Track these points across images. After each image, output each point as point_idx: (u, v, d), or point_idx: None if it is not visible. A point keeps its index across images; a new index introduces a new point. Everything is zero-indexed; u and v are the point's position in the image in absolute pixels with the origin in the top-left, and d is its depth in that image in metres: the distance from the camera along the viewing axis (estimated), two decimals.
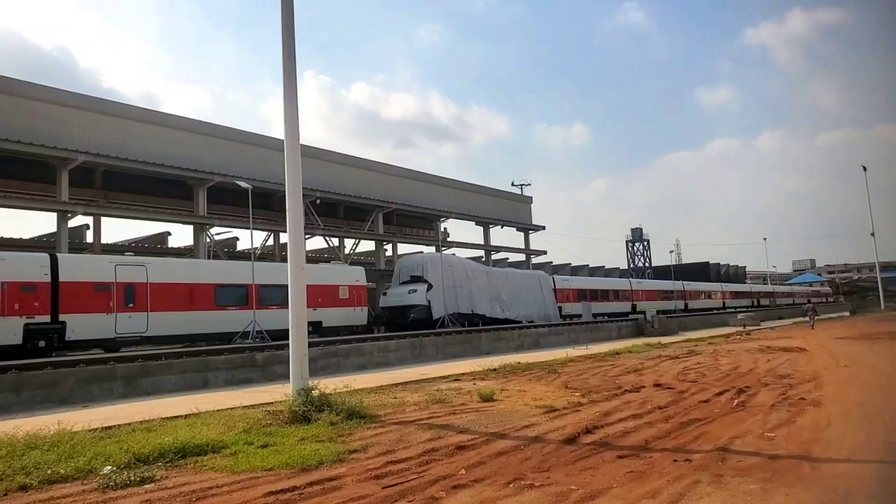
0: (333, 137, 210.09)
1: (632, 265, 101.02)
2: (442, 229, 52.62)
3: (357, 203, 39.09)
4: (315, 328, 28.06)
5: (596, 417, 9.45)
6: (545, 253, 53.39)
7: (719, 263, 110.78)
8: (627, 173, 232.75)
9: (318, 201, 34.92)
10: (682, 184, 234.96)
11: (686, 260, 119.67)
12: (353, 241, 40.62)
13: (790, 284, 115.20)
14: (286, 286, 10.98)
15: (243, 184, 25.03)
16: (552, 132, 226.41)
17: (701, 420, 9.04)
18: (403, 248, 47.41)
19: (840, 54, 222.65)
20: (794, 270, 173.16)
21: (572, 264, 75.89)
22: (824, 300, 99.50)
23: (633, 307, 51.70)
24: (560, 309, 43.69)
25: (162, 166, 28.81)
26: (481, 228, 48.29)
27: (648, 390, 12.57)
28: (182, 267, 25.51)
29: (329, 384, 11.35)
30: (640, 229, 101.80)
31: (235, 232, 37.66)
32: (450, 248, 45.48)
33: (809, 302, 48.92)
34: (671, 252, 78.57)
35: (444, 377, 17.03)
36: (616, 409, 10.16)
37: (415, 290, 33.53)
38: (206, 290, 23.91)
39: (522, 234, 52.40)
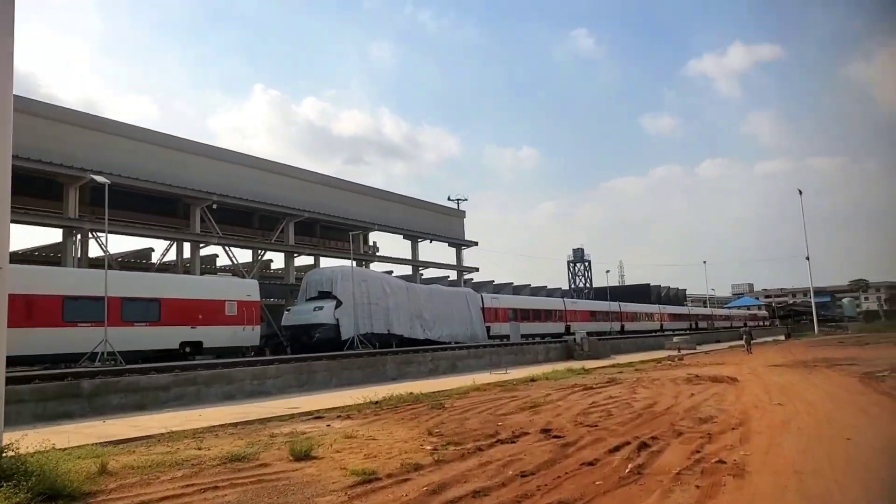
0: (284, 152, 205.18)
1: (573, 285, 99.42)
2: (371, 243, 49.39)
3: (263, 209, 35.55)
4: (195, 349, 24.34)
5: (419, 498, 6.28)
6: (477, 270, 50.64)
7: (660, 286, 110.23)
8: (575, 196, 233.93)
9: (214, 206, 31.18)
10: (628, 208, 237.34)
11: (629, 282, 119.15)
12: (264, 253, 36.96)
13: (729, 308, 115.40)
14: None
15: (101, 178, 21.26)
16: (502, 154, 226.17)
17: None
18: (329, 263, 43.94)
19: (775, 88, 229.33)
20: (734, 294, 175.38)
21: (513, 283, 73.50)
22: (760, 324, 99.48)
23: (567, 328, 49.16)
24: (489, 329, 40.78)
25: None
26: (410, 242, 45.09)
27: (530, 439, 9.50)
28: None
29: (140, 423, 7.90)
30: (582, 249, 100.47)
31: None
32: (372, 262, 42.14)
33: (745, 325, 47.16)
34: (607, 272, 76.85)
35: (310, 413, 13.90)
36: (462, 478, 7.02)
37: (321, 308, 30.08)
38: None
39: (455, 249, 49.36)
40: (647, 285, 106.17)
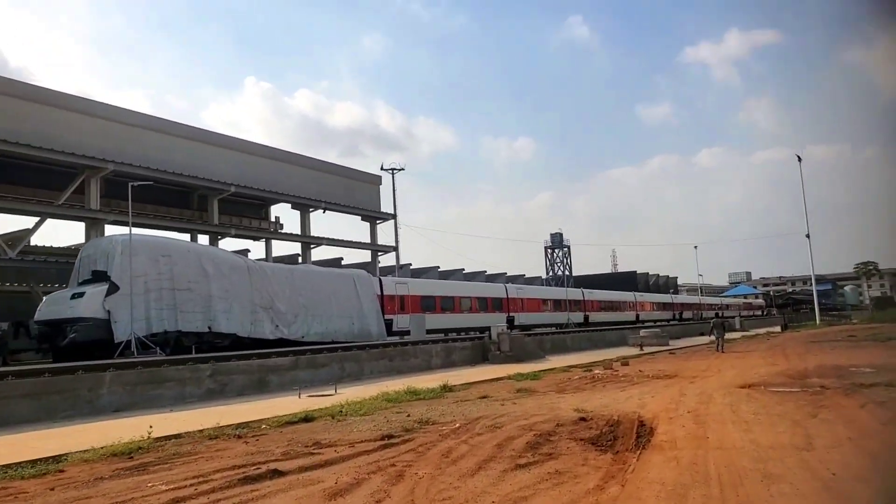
0: (278, 145, 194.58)
1: (551, 273, 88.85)
2: (274, 218, 38.99)
3: (51, 159, 25.18)
4: None
5: None
6: (394, 249, 39.97)
7: (647, 273, 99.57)
8: (571, 187, 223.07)
9: None
10: (623, 198, 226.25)
11: (623, 271, 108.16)
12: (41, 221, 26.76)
13: (723, 296, 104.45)
14: None
15: None
16: (498, 145, 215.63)
17: None
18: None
19: (773, 75, 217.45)
20: (731, 283, 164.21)
21: (464, 270, 62.92)
22: (754, 313, 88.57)
23: (511, 320, 38.63)
24: (390, 323, 30.35)
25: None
26: (298, 213, 34.63)
27: None
28: None
29: None
30: (560, 234, 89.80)
31: None
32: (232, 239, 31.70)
33: (718, 316, 36.37)
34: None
35: None
36: None
37: (81, 295, 19.77)
38: None
39: (368, 224, 38.81)
40: (634, 272, 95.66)
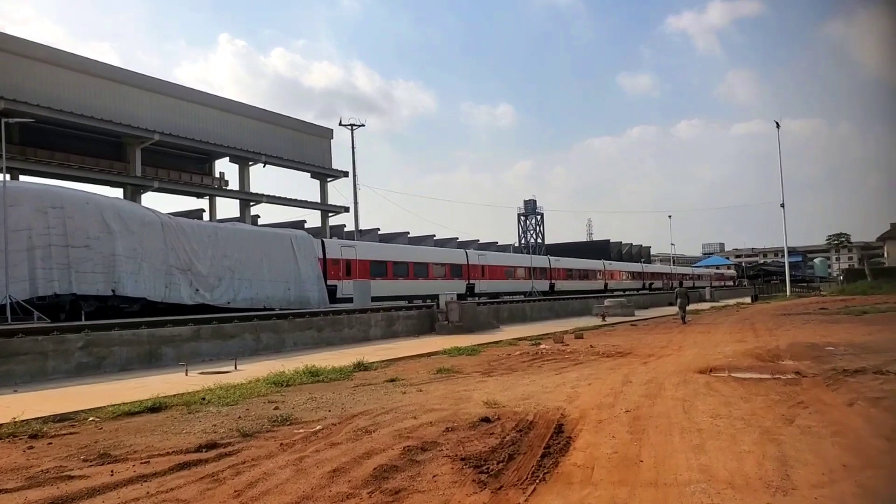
0: (253, 104, 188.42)
1: (523, 241, 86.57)
2: (218, 174, 35.79)
3: None
4: None
5: None
6: (346, 210, 37.08)
7: (621, 242, 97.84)
8: (550, 156, 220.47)
9: None
10: (602, 168, 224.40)
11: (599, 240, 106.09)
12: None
13: (694, 266, 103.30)
14: None
15: None
16: (478, 111, 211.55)
17: None
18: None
19: (754, 47, 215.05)
20: (704, 254, 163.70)
21: (435, 236, 60.47)
22: (725, 284, 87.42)
23: (471, 288, 36.22)
24: (334, 289, 27.70)
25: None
26: (238, 167, 31.52)
27: None
28: None
29: None
30: (534, 201, 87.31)
31: None
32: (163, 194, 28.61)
33: (681, 285, 34.19)
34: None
35: None
36: None
37: None
38: None
39: (318, 182, 35.79)
40: (607, 241, 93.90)
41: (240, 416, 8.17)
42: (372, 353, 16.66)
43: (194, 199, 36.43)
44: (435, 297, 28.12)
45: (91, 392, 11.05)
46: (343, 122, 42.57)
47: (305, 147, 34.70)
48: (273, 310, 22.88)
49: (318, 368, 12.29)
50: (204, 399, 9.67)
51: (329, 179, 36.27)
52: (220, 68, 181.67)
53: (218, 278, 22.96)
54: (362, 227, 51.94)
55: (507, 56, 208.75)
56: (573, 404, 8.02)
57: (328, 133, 37.30)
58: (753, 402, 7.89)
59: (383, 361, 14.30)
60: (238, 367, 14.42)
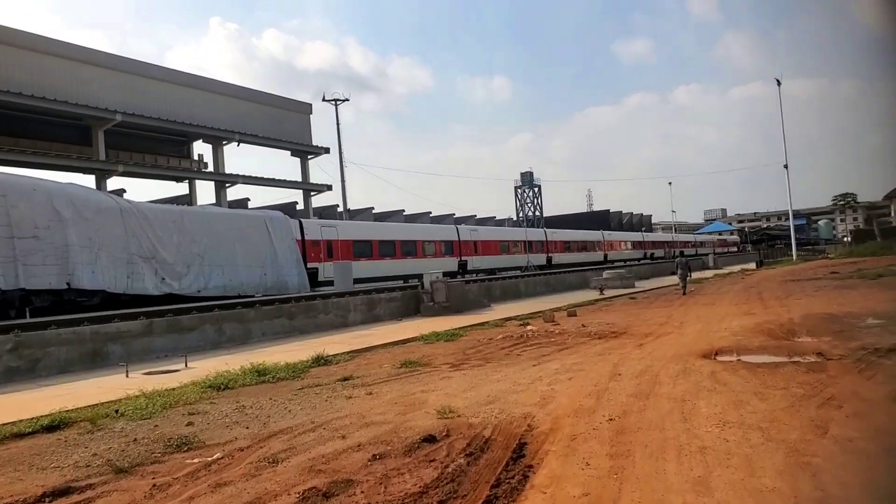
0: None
1: (521, 214, 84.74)
2: (197, 156, 34.05)
3: None
4: None
5: None
6: (329, 188, 35.30)
7: (621, 212, 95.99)
8: (548, 127, 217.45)
9: None
10: (601, 137, 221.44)
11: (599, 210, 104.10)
12: None
13: (696, 234, 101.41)
14: None
15: None
16: (474, 84, 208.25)
17: None
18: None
19: (752, 6, 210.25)
20: (706, 220, 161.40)
21: (431, 213, 58.94)
22: (729, 250, 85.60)
23: (463, 264, 34.61)
24: (315, 272, 26.11)
25: None
26: (211, 147, 29.72)
27: None
28: None
29: None
30: (531, 173, 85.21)
31: None
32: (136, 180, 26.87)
33: (682, 254, 32.41)
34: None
35: None
36: None
37: None
38: None
39: (299, 159, 33.97)
40: (607, 211, 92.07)
41: (136, 439, 6.60)
42: (343, 342, 15.16)
43: (174, 183, 34.76)
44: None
45: (1, 404, 9.51)
46: (327, 98, 40.61)
47: (284, 124, 32.84)
48: (252, 297, 21.39)
49: (267, 367, 10.71)
50: (117, 411, 8.13)
51: (310, 157, 34.44)
52: (213, 53, 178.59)
53: (186, 265, 21.36)
54: (355, 206, 50.31)
55: (501, 27, 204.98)
56: (545, 409, 6.41)
57: (307, 108, 35.30)
58: (771, 399, 6.25)
59: (348, 353, 12.72)
60: (189, 365, 12.94)
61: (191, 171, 32.68)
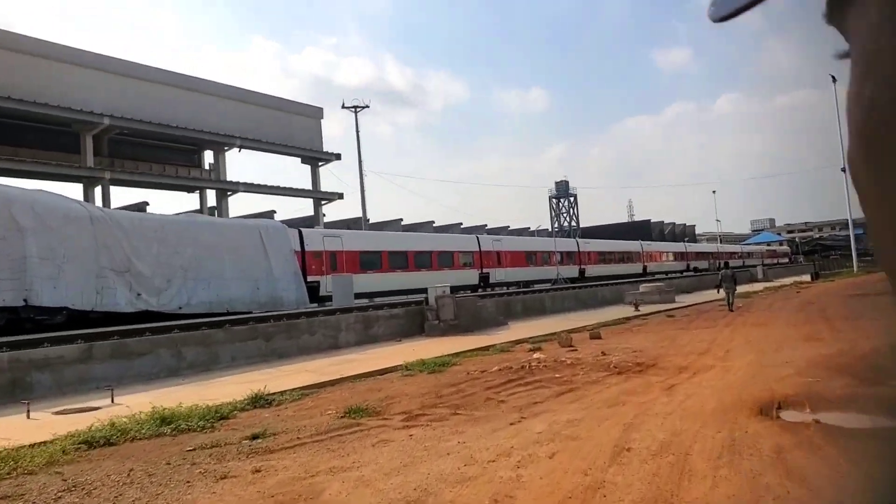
0: None
1: (557, 225, 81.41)
2: (207, 165, 32.29)
3: None
4: None
5: None
6: (341, 197, 32.95)
7: (662, 222, 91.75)
8: (585, 138, 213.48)
9: None
10: (640, 147, 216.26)
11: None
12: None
13: (743, 244, 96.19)
14: None
15: None
16: (510, 96, 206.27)
17: None
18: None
19: (797, 8, 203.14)
20: (752, 230, 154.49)
21: (462, 224, 56.37)
22: (779, 261, 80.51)
23: (484, 277, 31.87)
24: (315, 287, 23.75)
25: None
26: (212, 152, 27.76)
27: None
28: None
29: None
30: (566, 182, 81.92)
31: None
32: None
33: (727, 266, 28.88)
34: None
35: None
36: None
37: None
38: None
39: (309, 167, 31.79)
40: (648, 221, 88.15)
41: None
42: (318, 370, 12.69)
43: (194, 195, 33.05)
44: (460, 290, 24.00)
45: None
46: (346, 105, 38.49)
47: (292, 129, 30.72)
48: (245, 313, 19.16)
49: (177, 412, 8.21)
50: None
51: (320, 164, 32.24)
52: (254, 72, 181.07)
53: (166, 280, 19.23)
54: (382, 218, 48.16)
55: (538, 39, 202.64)
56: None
57: (318, 112, 33.08)
58: None
59: (301, 390, 10.14)
60: (116, 400, 10.59)
61: (186, 179, 30.84)
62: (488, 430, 6.26)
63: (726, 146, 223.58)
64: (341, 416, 7.68)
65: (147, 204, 30.26)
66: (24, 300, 16.11)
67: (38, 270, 16.34)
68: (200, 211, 31.97)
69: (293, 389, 10.12)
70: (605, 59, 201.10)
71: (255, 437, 6.87)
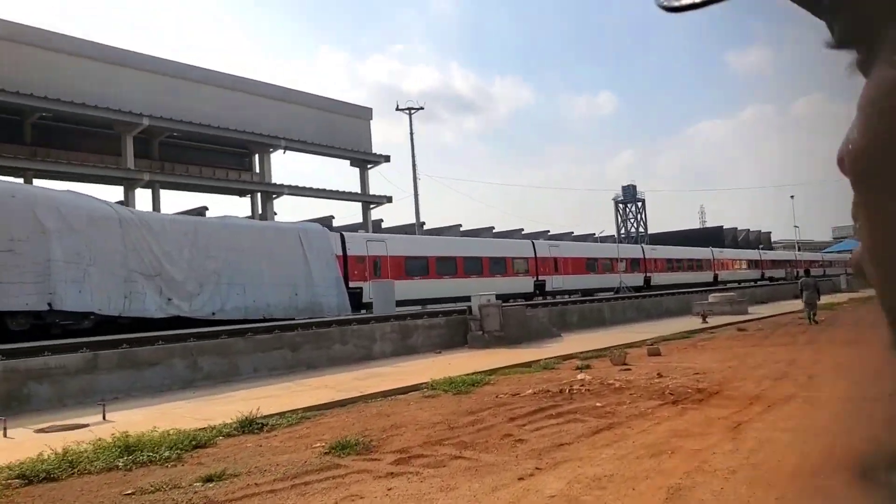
0: None
1: (623, 231, 78.36)
2: (258, 170, 32.07)
3: None
4: None
5: None
6: (389, 200, 31.85)
7: (736, 228, 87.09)
8: (655, 143, 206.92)
9: None
10: (714, 152, 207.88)
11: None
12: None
13: (824, 252, 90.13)
14: None
15: None
16: (578, 101, 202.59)
17: None
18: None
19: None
20: (834, 238, 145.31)
21: (523, 230, 54.85)
22: None
23: (540, 285, 30.15)
24: (357, 292, 22.72)
25: None
26: (257, 155, 27.23)
27: None
28: None
29: None
30: (633, 187, 78.79)
31: None
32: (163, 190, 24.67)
33: (808, 273, 25.92)
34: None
35: None
36: None
37: None
38: None
39: (358, 169, 30.92)
40: (720, 228, 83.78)
41: None
42: (337, 385, 11.52)
43: (236, 197, 32.84)
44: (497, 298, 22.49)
45: None
46: (400, 107, 37.63)
47: (338, 130, 29.88)
48: (280, 320, 18.31)
49: (147, 439, 7.07)
50: None
51: (369, 166, 31.30)
52: (323, 81, 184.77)
53: (199, 285, 18.55)
54: (441, 224, 47.14)
55: (605, 41, 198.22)
56: None
57: (366, 113, 32.15)
58: None
59: (304, 410, 8.92)
60: (108, 417, 9.67)
61: (230, 181, 30.48)
62: (487, 487, 4.77)
63: (806, 150, 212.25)
64: (326, 453, 6.35)
65: (206, 209, 30.13)
66: (49, 304, 15.61)
67: (63, 274, 15.83)
68: (252, 214, 31.62)
69: (294, 411, 8.90)
70: (677, 60, 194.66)
71: (209, 479, 5.62)
